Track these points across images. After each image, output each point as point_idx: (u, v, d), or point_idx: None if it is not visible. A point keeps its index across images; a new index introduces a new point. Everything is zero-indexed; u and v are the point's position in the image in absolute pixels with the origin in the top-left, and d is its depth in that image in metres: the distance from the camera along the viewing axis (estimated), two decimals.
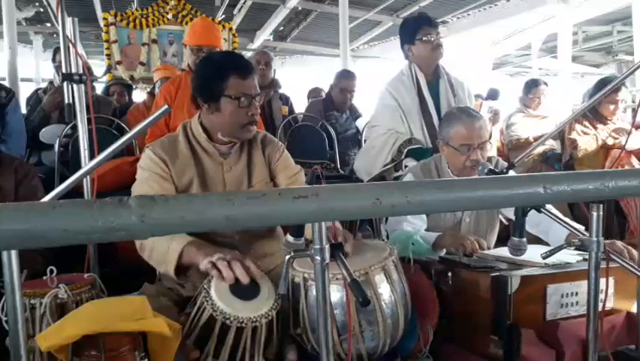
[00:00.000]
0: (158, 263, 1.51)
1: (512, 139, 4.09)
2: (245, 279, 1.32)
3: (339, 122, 3.84)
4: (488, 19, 7.46)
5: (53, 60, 3.42)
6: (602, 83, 3.14)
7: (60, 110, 3.04)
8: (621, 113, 3.49)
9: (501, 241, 2.10)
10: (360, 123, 3.86)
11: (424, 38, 2.54)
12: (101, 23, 5.24)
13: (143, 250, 1.53)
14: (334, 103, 3.92)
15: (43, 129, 2.94)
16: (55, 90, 3.11)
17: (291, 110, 4.08)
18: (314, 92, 5.34)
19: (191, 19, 4.61)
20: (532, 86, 4.21)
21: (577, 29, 8.35)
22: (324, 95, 4.65)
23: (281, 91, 4.04)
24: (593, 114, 3.42)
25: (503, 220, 2.23)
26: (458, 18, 7.86)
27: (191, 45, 2.76)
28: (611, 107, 3.37)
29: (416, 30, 2.56)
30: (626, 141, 2.83)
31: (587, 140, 3.34)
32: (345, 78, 3.89)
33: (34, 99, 3.41)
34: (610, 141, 3.31)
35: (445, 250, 1.88)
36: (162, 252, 1.46)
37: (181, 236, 1.44)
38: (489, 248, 2.10)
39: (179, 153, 1.65)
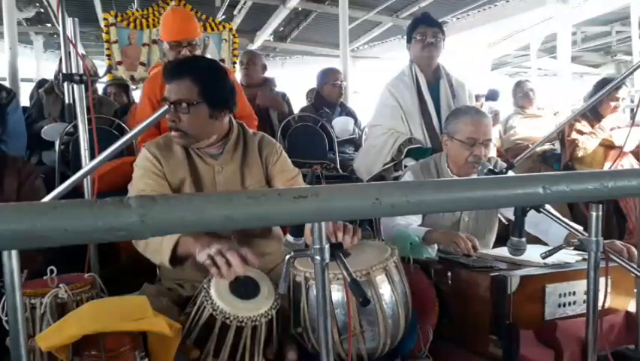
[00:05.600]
0: (153, 254, 1.50)
1: (512, 145, 4.14)
2: (241, 270, 1.28)
3: (330, 120, 3.81)
4: (487, 19, 7.45)
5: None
6: (604, 82, 3.14)
7: (61, 108, 3.03)
8: (620, 112, 3.49)
9: (500, 241, 2.10)
10: (344, 122, 3.85)
11: (417, 37, 2.55)
12: (102, 24, 5.23)
13: (138, 242, 1.52)
14: (325, 100, 3.91)
15: (45, 127, 2.94)
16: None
17: (290, 110, 4.01)
18: (312, 93, 5.31)
19: None
20: (516, 85, 4.43)
21: (576, 29, 8.35)
22: None
23: (279, 89, 3.96)
24: (593, 114, 3.42)
25: (503, 220, 2.24)
26: (458, 18, 7.85)
27: (169, 41, 2.52)
28: (612, 104, 3.38)
29: (414, 29, 2.58)
30: (625, 142, 2.83)
31: (586, 138, 3.35)
32: (332, 72, 3.94)
33: (36, 100, 3.39)
34: (600, 135, 3.31)
35: (437, 248, 1.89)
36: (158, 242, 1.46)
37: None
38: (488, 248, 2.11)
39: (174, 153, 1.66)
